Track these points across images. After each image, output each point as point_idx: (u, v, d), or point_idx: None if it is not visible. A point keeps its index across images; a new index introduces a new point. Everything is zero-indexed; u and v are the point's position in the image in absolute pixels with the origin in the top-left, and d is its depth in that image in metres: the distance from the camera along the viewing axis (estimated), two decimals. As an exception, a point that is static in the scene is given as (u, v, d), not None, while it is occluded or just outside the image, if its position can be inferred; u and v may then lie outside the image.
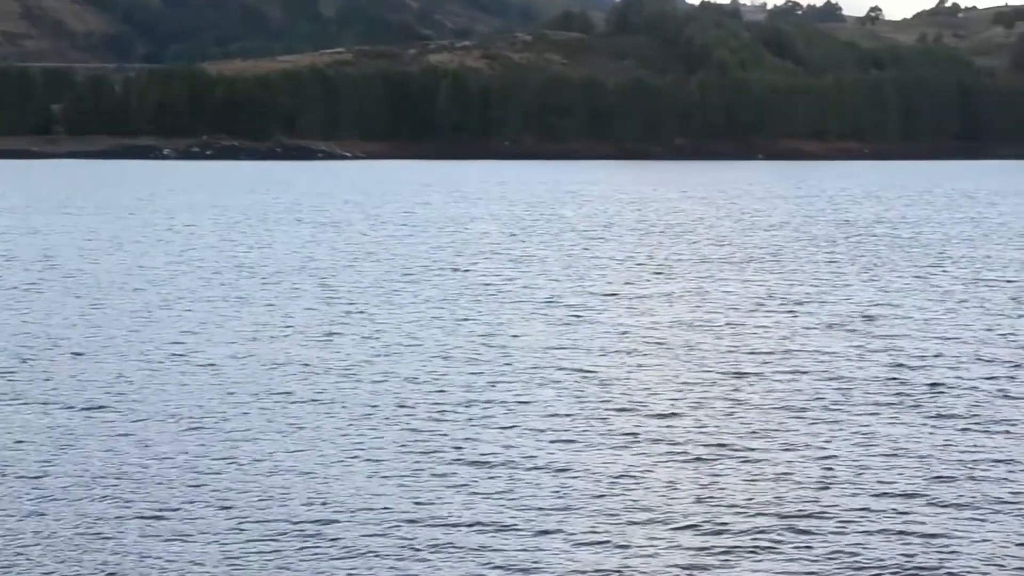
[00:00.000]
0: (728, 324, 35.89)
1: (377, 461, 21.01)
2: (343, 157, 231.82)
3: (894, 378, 28.03)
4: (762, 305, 39.99)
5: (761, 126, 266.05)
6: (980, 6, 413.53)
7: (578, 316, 37.24)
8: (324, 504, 18.64)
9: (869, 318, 37.15)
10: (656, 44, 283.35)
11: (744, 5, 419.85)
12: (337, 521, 17.83)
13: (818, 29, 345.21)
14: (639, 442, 22.41)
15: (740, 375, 28.49)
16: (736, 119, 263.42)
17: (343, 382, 27.54)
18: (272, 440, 22.37)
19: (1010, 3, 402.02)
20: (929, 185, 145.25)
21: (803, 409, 24.99)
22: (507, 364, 29.54)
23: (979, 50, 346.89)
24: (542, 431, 23.09)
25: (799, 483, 19.94)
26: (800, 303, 40.51)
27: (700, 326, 35.34)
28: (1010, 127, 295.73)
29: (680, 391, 26.69)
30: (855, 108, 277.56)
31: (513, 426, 23.45)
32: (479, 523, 17.81)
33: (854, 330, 34.99)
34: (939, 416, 24.36)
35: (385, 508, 18.44)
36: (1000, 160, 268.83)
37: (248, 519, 17.98)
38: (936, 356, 30.72)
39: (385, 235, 68.04)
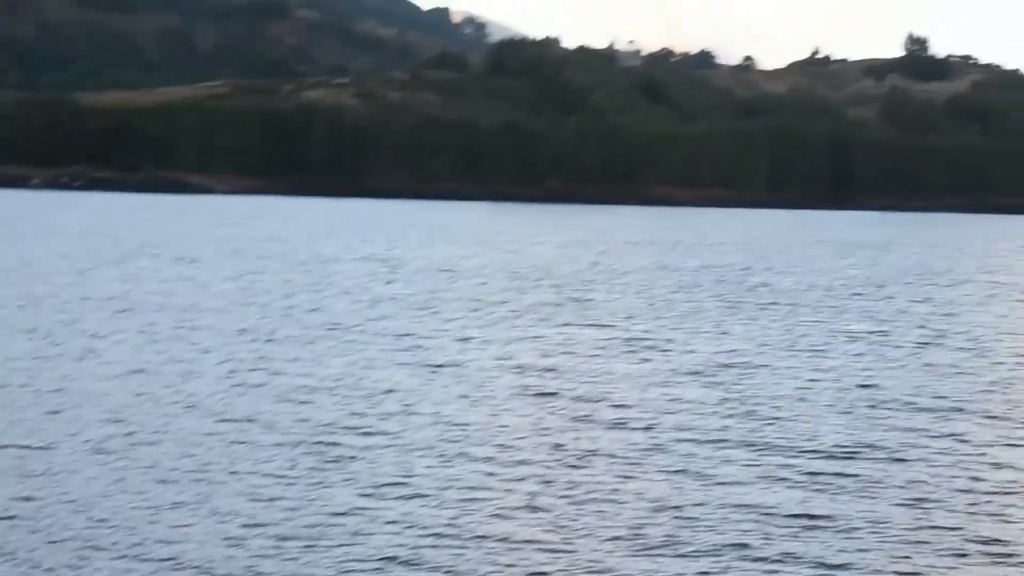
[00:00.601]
0: (583, 371, 35.75)
1: (213, 514, 20.59)
2: (216, 191, 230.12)
3: (747, 427, 28.10)
4: (618, 351, 39.95)
5: (635, 171, 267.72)
6: (851, 58, 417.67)
7: (432, 361, 36.88)
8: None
9: (724, 365, 37.21)
10: (532, 86, 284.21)
11: (620, 51, 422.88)
12: None
13: (693, 76, 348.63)
14: (487, 489, 22.19)
15: (590, 422, 28.33)
16: (610, 164, 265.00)
17: (185, 422, 27.06)
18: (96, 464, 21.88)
19: (881, 55, 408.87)
20: (792, 235, 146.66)
21: (652, 453, 24.88)
22: (360, 405, 29.19)
23: (850, 101, 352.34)
24: (380, 481, 22.75)
25: (642, 533, 19.84)
26: (657, 350, 40.54)
27: (554, 372, 35.16)
28: (879, 178, 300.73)
29: (533, 437, 26.47)
30: (727, 156, 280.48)
31: (350, 479, 23.05)
32: None
33: (709, 377, 35.02)
34: (786, 467, 24.42)
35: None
36: (868, 211, 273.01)
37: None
38: (788, 404, 30.84)
39: (244, 272, 67.30)
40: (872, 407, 30.81)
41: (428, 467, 23.61)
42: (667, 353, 39.78)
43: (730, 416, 29.31)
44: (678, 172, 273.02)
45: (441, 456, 24.54)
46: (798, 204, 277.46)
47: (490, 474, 23.20)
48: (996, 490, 22.87)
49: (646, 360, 38.11)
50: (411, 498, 21.46)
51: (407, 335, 42.35)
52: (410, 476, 22.90)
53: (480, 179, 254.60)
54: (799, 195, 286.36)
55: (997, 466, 24.75)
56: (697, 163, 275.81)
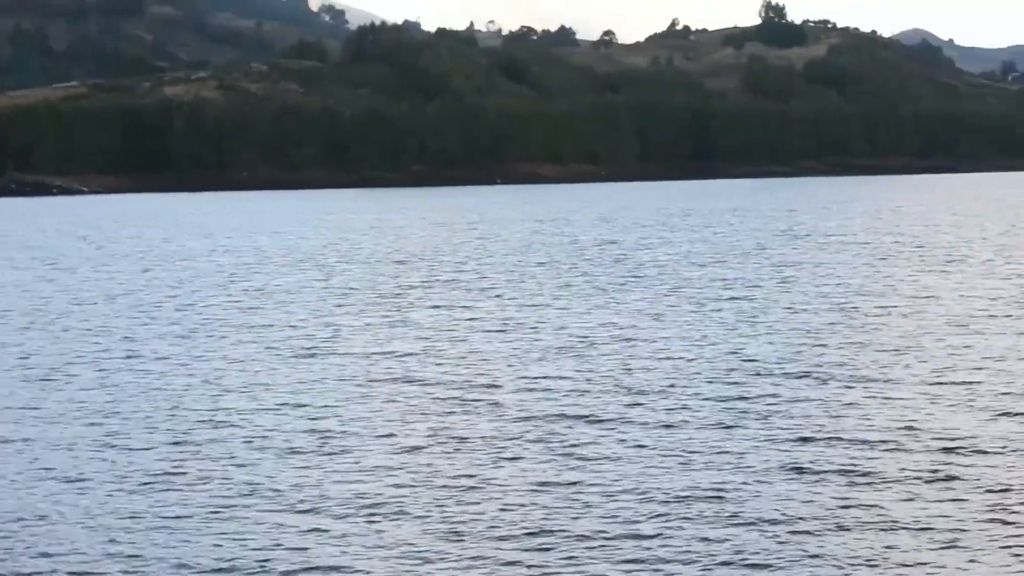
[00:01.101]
0: (454, 353, 35.64)
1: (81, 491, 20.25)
2: (79, 192, 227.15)
3: (619, 401, 28.05)
4: (489, 332, 39.86)
5: (498, 151, 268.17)
6: (710, 28, 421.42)
7: (309, 348, 36.63)
8: None
9: (595, 341, 37.28)
10: (393, 72, 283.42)
11: (480, 31, 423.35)
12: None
13: (553, 54, 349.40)
14: (371, 472, 22.02)
15: (464, 404, 28.19)
16: (473, 145, 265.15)
17: (58, 423, 26.58)
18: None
19: (739, 25, 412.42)
20: (658, 206, 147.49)
21: (527, 434, 24.78)
22: (232, 399, 28.86)
23: (710, 72, 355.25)
24: (263, 462, 22.47)
25: (523, 516, 19.73)
26: (528, 328, 40.51)
27: (425, 356, 35.02)
28: (741, 147, 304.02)
29: (407, 423, 26.32)
30: (590, 131, 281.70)
31: (242, 462, 22.81)
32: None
33: (580, 354, 35.00)
34: (662, 441, 24.44)
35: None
36: (732, 179, 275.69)
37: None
38: (662, 377, 30.86)
39: (114, 271, 66.44)
40: (745, 376, 30.88)
41: (301, 462, 23.32)
42: (538, 331, 39.73)
43: (604, 392, 29.29)
44: (543, 150, 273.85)
45: (316, 448, 24.23)
46: (664, 176, 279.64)
47: (366, 464, 22.95)
48: (870, 456, 22.98)
49: (518, 339, 38.03)
50: (281, 494, 21.13)
51: (274, 326, 42.00)
52: (281, 472, 22.57)
53: (345, 167, 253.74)
54: (665, 167, 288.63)
55: (870, 428, 24.89)
56: (562, 140, 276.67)
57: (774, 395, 28.27)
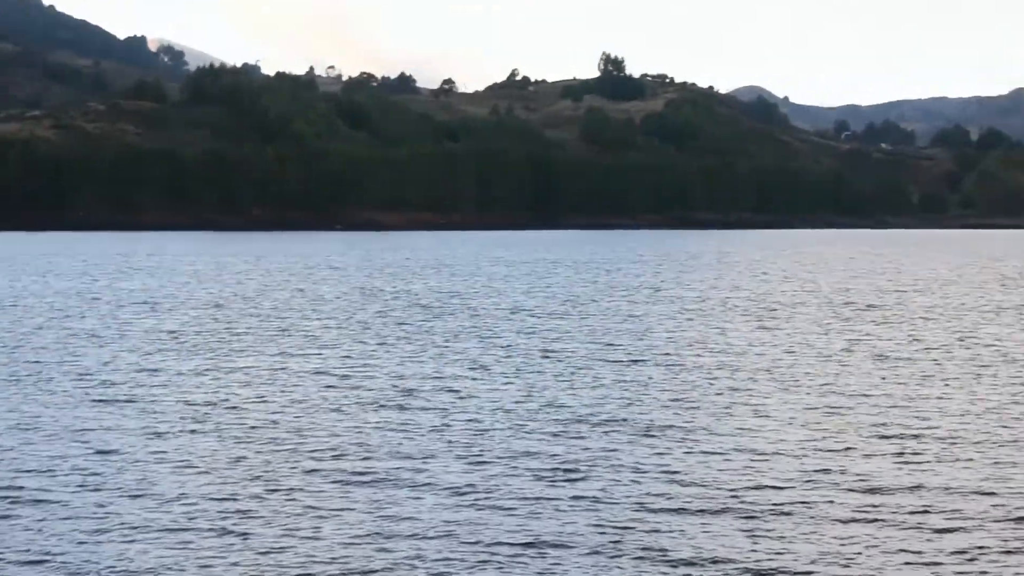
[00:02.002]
0: (283, 401, 35.25)
1: None
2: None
3: (447, 450, 27.93)
4: (320, 380, 39.53)
5: (339, 197, 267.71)
6: (550, 79, 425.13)
7: (126, 397, 35.89)
8: None
9: (422, 390, 37.12)
10: (232, 114, 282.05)
11: (320, 76, 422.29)
12: None
13: (393, 101, 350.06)
14: (191, 527, 21.54)
15: (293, 452, 27.85)
16: (313, 189, 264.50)
17: None
18: None
19: (578, 77, 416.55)
20: (496, 255, 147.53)
21: (356, 482, 24.56)
22: (51, 446, 28.25)
23: (549, 123, 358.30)
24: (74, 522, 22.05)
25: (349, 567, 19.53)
26: (358, 376, 40.24)
27: (254, 404, 34.63)
28: (582, 197, 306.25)
29: (231, 471, 25.95)
30: (430, 179, 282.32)
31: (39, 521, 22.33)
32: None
33: (401, 404, 34.78)
34: (489, 489, 24.28)
35: None
36: (572, 230, 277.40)
37: None
38: (485, 425, 30.82)
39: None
40: (563, 427, 30.85)
41: (128, 508, 22.76)
42: (364, 380, 39.47)
43: (429, 440, 29.14)
44: (383, 196, 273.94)
45: (138, 497, 23.69)
46: (504, 225, 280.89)
47: (189, 513, 22.56)
48: (683, 508, 23.10)
49: (349, 387, 37.73)
50: (106, 542, 20.68)
51: (99, 372, 41.27)
52: (102, 518, 22.09)
53: (185, 209, 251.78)
54: (505, 216, 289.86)
55: (683, 483, 24.97)
56: (402, 187, 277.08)
57: (591, 448, 28.22)
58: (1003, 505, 23.08)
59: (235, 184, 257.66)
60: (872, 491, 24.21)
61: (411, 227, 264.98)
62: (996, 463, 26.65)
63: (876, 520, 22.13)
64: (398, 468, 26.21)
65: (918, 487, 24.50)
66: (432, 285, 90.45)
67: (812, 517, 22.33)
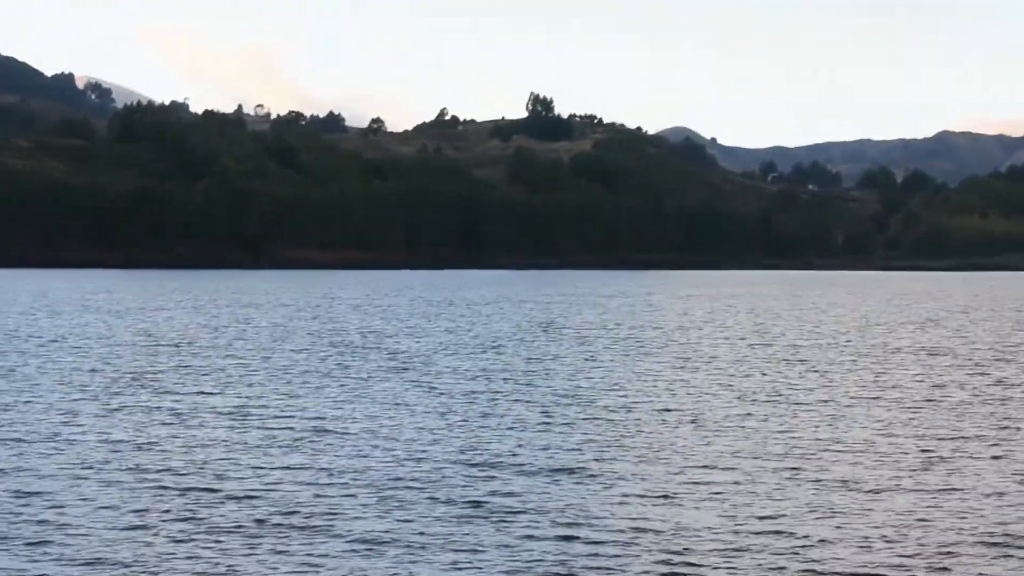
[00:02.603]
0: (185, 440, 34.80)
1: None
2: None
3: (347, 492, 27.60)
4: (225, 419, 39.09)
5: (267, 235, 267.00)
6: (478, 119, 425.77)
7: (27, 436, 35.33)
8: None
9: (331, 430, 36.77)
10: (160, 152, 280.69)
11: (248, 115, 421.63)
12: None
13: (322, 139, 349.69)
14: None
15: (194, 494, 27.40)
16: (241, 228, 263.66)
17: None
18: None
19: (507, 117, 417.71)
20: (422, 295, 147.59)
21: (251, 526, 24.17)
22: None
23: (478, 162, 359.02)
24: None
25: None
26: (261, 416, 39.84)
27: (155, 443, 34.15)
28: (510, 236, 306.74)
29: (122, 509, 25.51)
30: (359, 217, 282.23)
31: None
32: None
33: (315, 443, 34.53)
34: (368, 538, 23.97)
35: None
36: (500, 270, 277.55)
37: None
38: (393, 471, 30.46)
39: None
40: (478, 469, 30.63)
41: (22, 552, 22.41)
42: (282, 419, 39.07)
43: (344, 482, 28.83)
44: (311, 235, 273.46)
45: (31, 534, 23.29)
46: (433, 264, 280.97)
47: (77, 556, 22.14)
48: (599, 547, 22.97)
49: (251, 427, 37.35)
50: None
51: (9, 409, 40.72)
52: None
53: (111, 247, 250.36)
54: (433, 255, 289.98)
55: (603, 527, 24.79)
56: (330, 226, 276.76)
57: (507, 491, 28.01)
58: (918, 552, 23.08)
59: (162, 222, 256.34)
60: (784, 534, 24.15)
61: (339, 265, 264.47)
62: (912, 509, 26.67)
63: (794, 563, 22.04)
64: (312, 511, 25.86)
65: (828, 531, 24.46)
66: (359, 323, 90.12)
67: (728, 559, 22.29)
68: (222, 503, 26.73)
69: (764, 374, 55.08)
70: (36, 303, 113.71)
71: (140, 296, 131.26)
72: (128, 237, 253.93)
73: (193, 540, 23.37)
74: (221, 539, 23.52)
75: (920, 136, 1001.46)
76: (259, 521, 24.90)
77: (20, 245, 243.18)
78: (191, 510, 25.99)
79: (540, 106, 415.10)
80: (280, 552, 22.59)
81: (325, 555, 22.47)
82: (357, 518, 25.32)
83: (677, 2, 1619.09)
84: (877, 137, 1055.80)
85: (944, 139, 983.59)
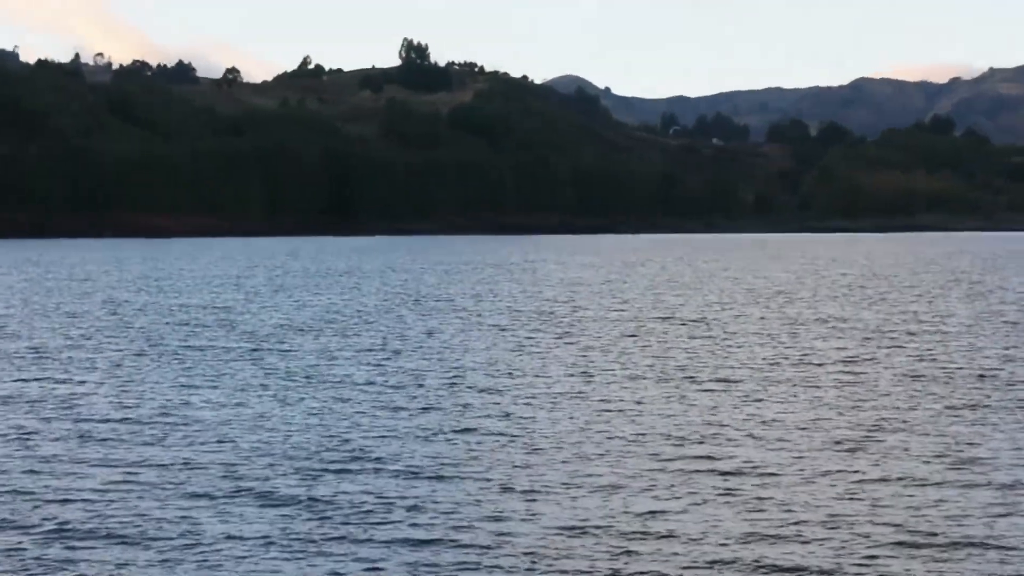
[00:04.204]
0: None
1: None
2: None
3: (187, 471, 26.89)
4: (34, 407, 38.77)
5: (109, 200, 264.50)
6: (346, 68, 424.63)
7: None
8: None
9: (147, 420, 36.38)
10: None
11: (87, 65, 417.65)
12: None
13: (170, 91, 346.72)
14: None
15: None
16: (80, 192, 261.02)
17: None
18: None
19: (378, 66, 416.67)
20: (280, 265, 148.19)
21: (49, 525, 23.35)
22: None
23: (347, 116, 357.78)
24: None
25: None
26: (68, 403, 39.22)
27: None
28: (381, 200, 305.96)
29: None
30: (212, 179, 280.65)
31: None
32: None
33: (126, 433, 34.12)
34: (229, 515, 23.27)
35: None
36: (370, 236, 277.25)
37: None
38: (225, 464, 29.95)
39: None
40: (298, 463, 30.34)
41: None
42: (72, 408, 38.52)
43: (150, 485, 28.07)
44: (159, 199, 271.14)
45: None
46: (295, 231, 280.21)
47: None
48: (438, 541, 22.63)
49: (74, 417, 36.71)
50: None
51: None
52: None
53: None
54: (296, 221, 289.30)
55: (442, 521, 24.41)
56: (179, 189, 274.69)
57: (354, 489, 27.60)
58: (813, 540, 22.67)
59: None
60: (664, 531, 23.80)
61: (190, 233, 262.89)
62: (786, 508, 26.10)
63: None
64: (119, 516, 25.18)
65: (705, 526, 24.07)
66: (199, 299, 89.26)
67: (585, 543, 22.43)
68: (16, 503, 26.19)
69: (658, 352, 54.89)
70: None
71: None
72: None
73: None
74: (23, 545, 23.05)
75: (835, 84, 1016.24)
76: (63, 524, 24.32)
77: None
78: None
79: (414, 53, 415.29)
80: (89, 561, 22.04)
81: (127, 563, 22.05)
82: (171, 515, 25.05)
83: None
84: (788, 85, 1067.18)
85: (861, 87, 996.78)
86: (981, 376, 46.34)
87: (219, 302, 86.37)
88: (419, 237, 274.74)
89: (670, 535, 23.56)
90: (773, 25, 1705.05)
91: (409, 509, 25.66)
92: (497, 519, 24.73)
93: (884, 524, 24.16)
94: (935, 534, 23.48)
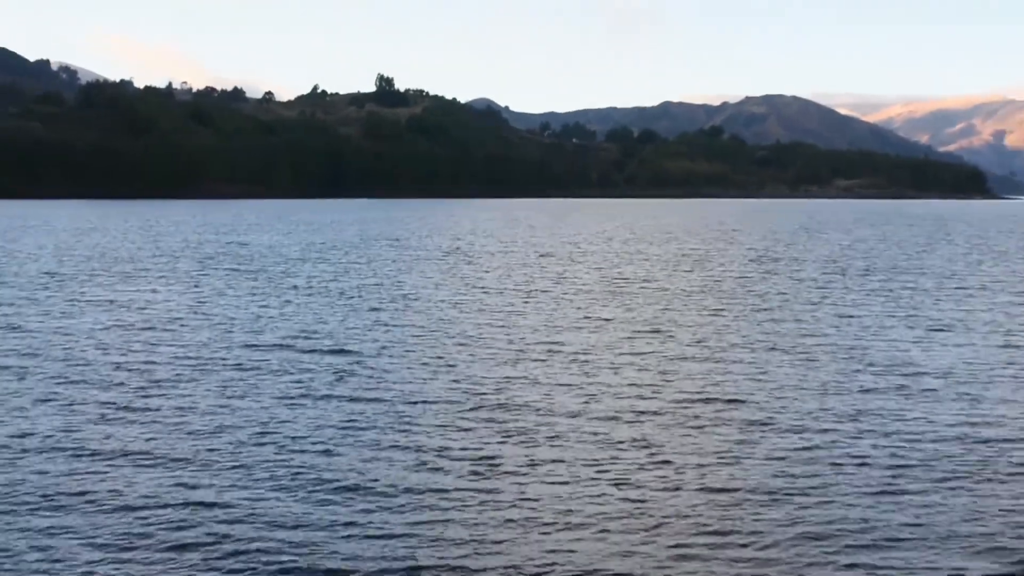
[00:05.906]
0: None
1: None
2: None
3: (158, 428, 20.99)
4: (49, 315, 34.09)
5: (192, 176, 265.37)
6: (341, 92, 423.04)
7: None
8: None
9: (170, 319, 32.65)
10: (113, 116, 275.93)
11: (176, 88, 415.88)
12: None
13: (229, 106, 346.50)
14: None
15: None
16: (173, 171, 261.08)
17: None
18: None
19: (361, 90, 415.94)
20: (296, 217, 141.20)
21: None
22: None
23: (341, 123, 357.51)
24: None
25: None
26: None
27: None
28: (363, 175, 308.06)
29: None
30: (258, 162, 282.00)
31: None
32: None
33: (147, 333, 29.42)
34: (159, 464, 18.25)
35: None
36: (355, 199, 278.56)
37: None
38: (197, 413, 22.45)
39: None
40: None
41: None
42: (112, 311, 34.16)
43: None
44: (224, 175, 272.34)
45: None
46: (309, 195, 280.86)
47: None
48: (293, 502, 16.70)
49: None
50: None
51: None
52: None
53: (79, 184, 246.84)
54: (310, 189, 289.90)
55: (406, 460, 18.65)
56: (237, 168, 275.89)
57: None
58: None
59: (117, 167, 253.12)
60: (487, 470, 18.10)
61: (243, 196, 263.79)
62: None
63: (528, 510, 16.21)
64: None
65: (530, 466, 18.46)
66: (232, 238, 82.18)
67: (476, 503, 16.54)
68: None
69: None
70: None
71: (89, 222, 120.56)
72: (93, 179, 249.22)
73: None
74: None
75: (650, 104, 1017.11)
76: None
77: (11, 185, 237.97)
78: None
79: (385, 83, 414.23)
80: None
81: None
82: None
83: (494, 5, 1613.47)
84: (620, 105, 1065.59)
85: (666, 107, 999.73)
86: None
87: (239, 238, 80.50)
88: (388, 200, 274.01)
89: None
90: (612, 64, 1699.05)
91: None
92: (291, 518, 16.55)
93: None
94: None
